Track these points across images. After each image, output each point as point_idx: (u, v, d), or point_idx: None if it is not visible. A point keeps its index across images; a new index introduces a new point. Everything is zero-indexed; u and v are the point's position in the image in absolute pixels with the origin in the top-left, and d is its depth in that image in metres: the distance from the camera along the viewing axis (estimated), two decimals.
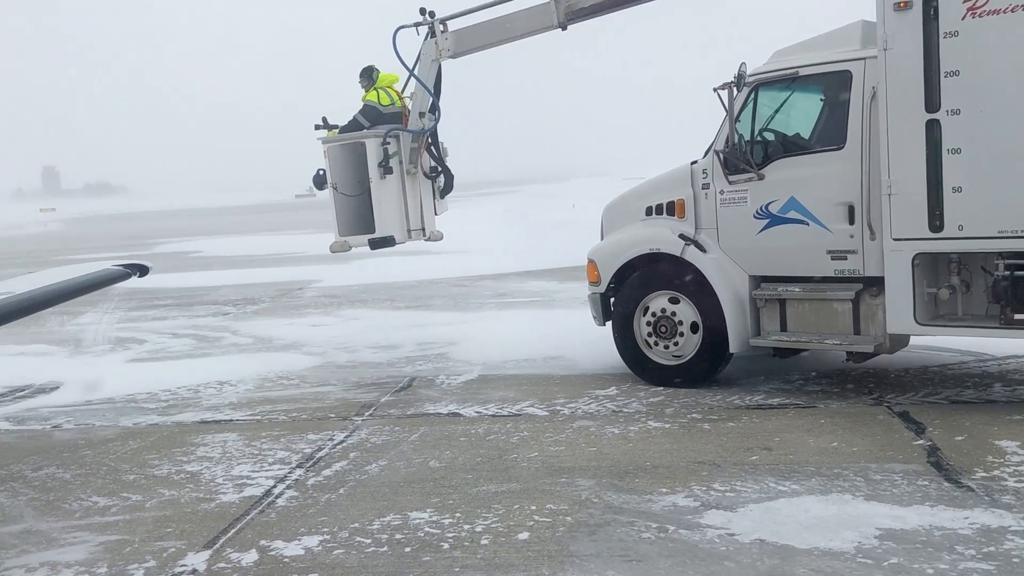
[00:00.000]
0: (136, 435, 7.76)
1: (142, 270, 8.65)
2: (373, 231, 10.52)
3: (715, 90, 7.68)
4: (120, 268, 8.55)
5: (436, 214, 11.16)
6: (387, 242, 10.52)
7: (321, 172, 10.72)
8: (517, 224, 31.97)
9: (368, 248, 10.73)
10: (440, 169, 11.01)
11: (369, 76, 11.00)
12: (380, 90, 10.83)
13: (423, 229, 10.88)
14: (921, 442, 6.33)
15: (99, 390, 9.44)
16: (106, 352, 12.10)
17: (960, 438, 6.32)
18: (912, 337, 7.72)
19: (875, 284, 7.29)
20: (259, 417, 8.15)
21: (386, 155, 10.32)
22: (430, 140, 10.69)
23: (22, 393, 9.69)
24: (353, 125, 10.75)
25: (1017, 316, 6.71)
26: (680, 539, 4.89)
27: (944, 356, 8.80)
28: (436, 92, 10.44)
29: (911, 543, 4.68)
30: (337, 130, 10.83)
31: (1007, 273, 6.68)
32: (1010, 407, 7.06)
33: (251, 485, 6.24)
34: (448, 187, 11.20)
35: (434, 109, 10.52)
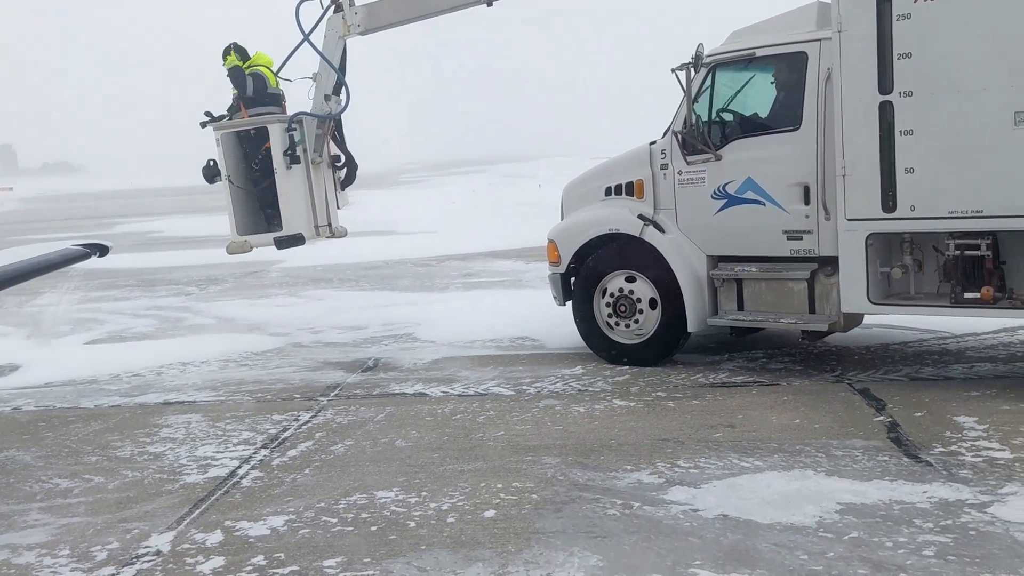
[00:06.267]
0: (98, 416, 7.67)
1: (102, 250, 8.53)
2: (270, 228, 9.70)
3: (673, 71, 7.70)
4: (79, 248, 8.42)
5: (338, 207, 10.39)
6: (295, 241, 9.68)
7: (212, 163, 9.76)
8: (484, 204, 31.87)
9: (274, 248, 9.92)
10: (344, 158, 10.22)
11: (225, 57, 10.00)
12: (267, 68, 9.93)
13: (329, 224, 10.09)
14: (881, 418, 6.44)
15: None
16: (66, 333, 11.92)
17: (919, 414, 6.44)
18: (866, 316, 7.83)
19: (830, 264, 7.39)
20: (223, 398, 8.09)
21: (292, 143, 9.44)
22: (334, 125, 9.94)
23: None
24: (240, 80, 9.70)
25: (967, 295, 6.84)
26: (645, 515, 4.94)
27: (904, 334, 8.95)
28: (342, 72, 9.70)
29: (871, 517, 4.76)
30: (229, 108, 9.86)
31: (957, 253, 6.80)
32: (968, 383, 7.20)
33: (215, 466, 6.20)
34: (350, 178, 10.39)
35: (339, 90, 9.76)
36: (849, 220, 7.07)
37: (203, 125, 9.89)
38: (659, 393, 7.38)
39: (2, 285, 7.61)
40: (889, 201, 6.88)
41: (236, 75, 9.80)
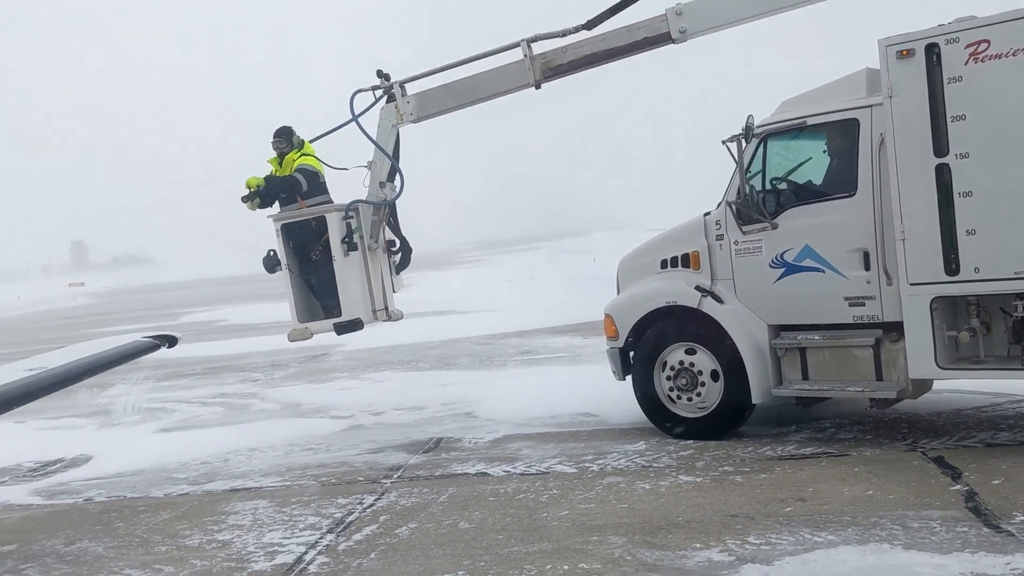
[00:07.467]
0: (167, 505, 7.78)
1: (171, 340, 8.72)
2: (328, 316, 9.89)
3: (724, 142, 7.76)
4: (149, 339, 8.63)
5: (394, 291, 10.53)
6: (354, 326, 9.83)
7: (272, 253, 10.02)
8: (540, 281, 32.03)
9: (335, 334, 10.07)
10: (399, 242, 10.43)
11: (289, 139, 10.24)
12: (314, 158, 10.17)
13: (385, 308, 10.22)
14: (958, 487, 6.23)
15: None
16: (136, 423, 12.17)
17: (997, 482, 6.22)
18: (936, 381, 7.65)
19: (894, 329, 7.26)
20: (289, 483, 8.15)
21: (349, 230, 9.73)
22: (388, 211, 10.16)
23: (53, 467, 9.76)
24: (290, 183, 9.99)
25: None
26: None
27: (976, 399, 8.68)
28: (396, 159, 9.94)
29: None
30: (264, 185, 10.01)
31: None
32: None
33: (282, 552, 6.23)
34: (405, 262, 10.58)
35: (394, 177, 10.00)
36: (912, 284, 6.97)
37: (244, 200, 10.15)
38: (726, 467, 7.24)
39: (76, 379, 7.83)
40: (952, 264, 6.78)
41: (284, 184, 10.06)
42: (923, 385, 7.53)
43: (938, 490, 6.21)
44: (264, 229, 10.27)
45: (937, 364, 6.95)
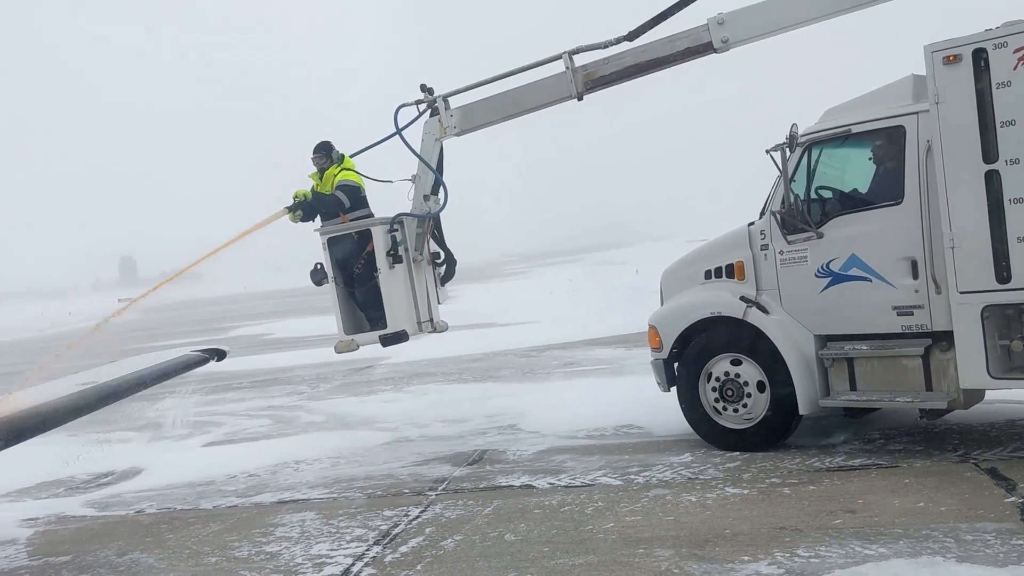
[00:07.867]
0: (216, 517, 7.89)
1: (220, 354, 8.86)
2: (374, 328, 9.96)
3: (768, 151, 7.72)
4: (199, 353, 8.79)
5: (439, 303, 10.54)
6: (400, 338, 9.86)
7: (319, 266, 10.12)
8: (582, 292, 31.99)
9: (380, 346, 10.04)
10: (443, 255, 10.45)
11: (329, 153, 10.35)
12: (355, 172, 10.28)
13: (431, 320, 10.26)
14: (1013, 499, 6.10)
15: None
16: (185, 436, 12.36)
17: None
18: (988, 391, 7.50)
19: (944, 338, 7.15)
20: (335, 495, 8.22)
21: (394, 243, 9.82)
22: (433, 223, 10.19)
23: (105, 480, 9.94)
24: (333, 202, 10.15)
25: None
26: None
27: None
28: (439, 172, 9.99)
29: None
30: (306, 199, 10.15)
31: None
32: None
33: (330, 564, 6.28)
34: (449, 274, 10.59)
35: (437, 190, 10.04)
36: (962, 293, 6.86)
37: (288, 210, 10.31)
38: (773, 479, 7.17)
39: (128, 393, 7.99)
40: (1003, 272, 6.68)
41: (327, 203, 10.21)
42: (974, 395, 7.41)
43: (992, 502, 6.09)
44: (312, 243, 10.40)
45: (989, 373, 6.83)
